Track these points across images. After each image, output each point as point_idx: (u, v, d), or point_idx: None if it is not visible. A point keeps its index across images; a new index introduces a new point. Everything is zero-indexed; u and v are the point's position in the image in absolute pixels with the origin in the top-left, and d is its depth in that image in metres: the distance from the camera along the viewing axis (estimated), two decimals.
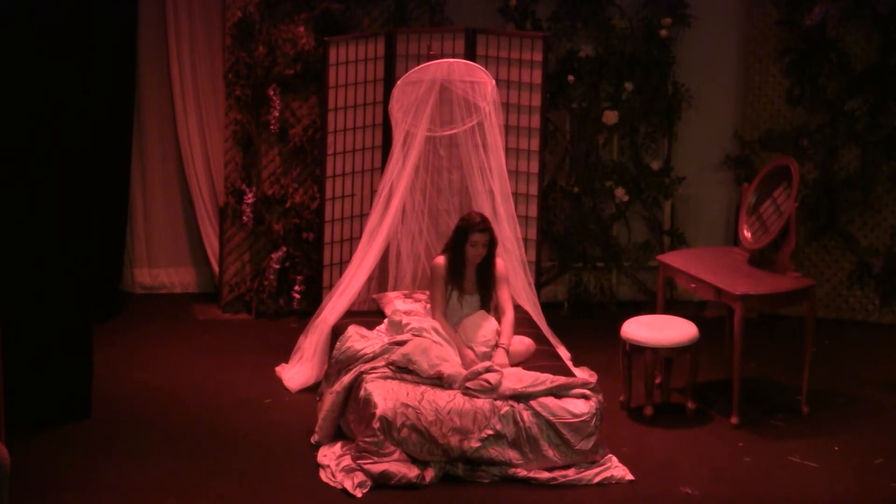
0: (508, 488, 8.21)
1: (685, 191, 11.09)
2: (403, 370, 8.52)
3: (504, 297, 8.93)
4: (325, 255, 10.18)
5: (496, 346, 8.75)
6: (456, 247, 8.85)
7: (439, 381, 8.44)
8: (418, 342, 8.61)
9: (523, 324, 9.23)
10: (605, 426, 8.54)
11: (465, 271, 8.88)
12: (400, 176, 9.40)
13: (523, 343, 8.92)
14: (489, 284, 8.89)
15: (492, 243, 8.86)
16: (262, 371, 9.69)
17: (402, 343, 8.67)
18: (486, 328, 8.79)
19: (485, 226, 8.79)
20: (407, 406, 8.25)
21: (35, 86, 8.55)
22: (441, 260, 8.92)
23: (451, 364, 8.53)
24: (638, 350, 9.13)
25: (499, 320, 8.90)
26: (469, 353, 8.69)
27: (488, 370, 8.44)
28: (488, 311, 8.90)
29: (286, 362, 9.66)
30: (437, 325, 8.78)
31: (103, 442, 8.58)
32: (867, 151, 10.77)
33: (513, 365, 8.70)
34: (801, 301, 9.31)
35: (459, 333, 8.81)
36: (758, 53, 10.92)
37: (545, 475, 8.29)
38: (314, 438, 8.65)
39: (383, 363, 8.58)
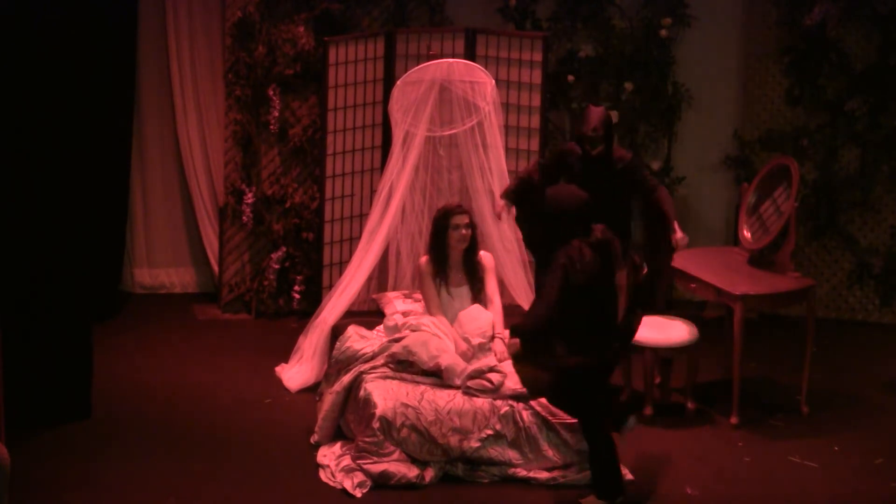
0: (508, 488, 8.21)
1: (685, 191, 11.09)
2: (403, 364, 8.53)
3: (491, 287, 8.94)
4: (324, 255, 10.18)
5: (493, 337, 8.76)
6: (437, 239, 8.87)
7: (439, 374, 8.44)
8: (418, 335, 8.62)
9: None
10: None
11: (450, 263, 8.90)
12: (400, 176, 9.41)
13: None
14: (476, 275, 8.91)
15: (474, 229, 8.89)
16: (262, 371, 9.69)
17: (400, 340, 8.68)
18: (482, 320, 8.79)
19: (463, 209, 8.84)
20: (407, 406, 8.25)
21: (35, 86, 8.55)
22: (424, 259, 8.95)
23: (450, 355, 8.53)
24: (638, 350, 9.13)
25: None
26: (463, 344, 8.69)
27: (491, 370, 8.44)
28: (482, 303, 8.91)
29: (286, 362, 9.66)
30: (434, 320, 8.79)
31: (103, 442, 8.58)
32: (867, 151, 10.78)
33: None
34: (801, 301, 9.31)
35: (455, 327, 8.82)
36: (758, 53, 10.92)
37: (545, 475, 8.29)
38: (314, 438, 8.66)
39: (382, 361, 8.58)
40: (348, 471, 8.22)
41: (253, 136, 10.57)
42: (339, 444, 8.52)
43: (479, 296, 8.95)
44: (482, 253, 9.02)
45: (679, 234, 8.75)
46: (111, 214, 10.62)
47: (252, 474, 8.25)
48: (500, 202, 9.00)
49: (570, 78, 10.79)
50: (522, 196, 8.89)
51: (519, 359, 7.86)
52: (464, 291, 8.95)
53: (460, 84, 9.43)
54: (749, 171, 10.81)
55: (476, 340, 8.72)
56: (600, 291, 7.73)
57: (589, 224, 7.78)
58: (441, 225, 8.87)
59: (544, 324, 7.70)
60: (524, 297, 9.46)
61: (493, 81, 9.42)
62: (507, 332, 8.80)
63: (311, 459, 8.45)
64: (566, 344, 7.73)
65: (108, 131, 10.31)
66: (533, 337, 7.74)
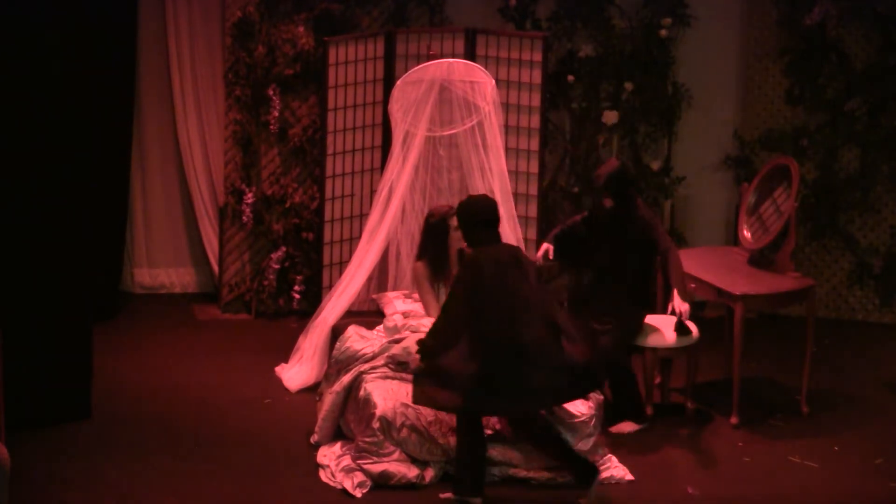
0: (508, 488, 8.20)
1: (685, 191, 11.09)
2: (403, 365, 8.53)
3: None
4: (324, 255, 10.18)
5: None
6: (437, 243, 8.85)
7: None
8: (417, 336, 8.61)
9: None
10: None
11: (447, 265, 8.89)
12: (400, 176, 9.41)
13: None
14: None
15: None
16: (262, 371, 9.69)
17: (401, 340, 8.68)
18: None
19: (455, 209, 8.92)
20: (407, 406, 8.25)
21: (35, 86, 8.55)
22: (421, 263, 8.91)
23: None
24: (638, 350, 9.12)
25: None
26: None
27: None
28: None
29: (286, 362, 9.66)
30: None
31: (103, 442, 8.58)
32: (867, 151, 10.77)
33: None
34: (801, 301, 9.31)
35: None
36: (758, 53, 10.92)
37: (545, 475, 8.28)
38: (314, 438, 8.65)
39: (382, 362, 8.58)
40: (348, 471, 8.22)
41: (253, 136, 10.57)
42: (339, 444, 8.52)
43: None
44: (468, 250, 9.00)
45: (678, 301, 8.74)
46: (111, 214, 10.61)
47: (252, 474, 8.25)
48: (545, 245, 9.02)
49: (570, 78, 10.79)
50: (566, 244, 9.02)
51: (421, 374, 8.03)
52: None
53: (460, 84, 9.43)
54: (749, 171, 10.80)
55: None
56: (506, 298, 7.85)
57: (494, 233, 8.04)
58: (442, 229, 8.84)
59: (444, 339, 7.90)
60: None
61: (493, 81, 9.42)
62: None
63: (311, 459, 8.44)
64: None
65: (108, 131, 10.31)
66: (432, 353, 7.94)
